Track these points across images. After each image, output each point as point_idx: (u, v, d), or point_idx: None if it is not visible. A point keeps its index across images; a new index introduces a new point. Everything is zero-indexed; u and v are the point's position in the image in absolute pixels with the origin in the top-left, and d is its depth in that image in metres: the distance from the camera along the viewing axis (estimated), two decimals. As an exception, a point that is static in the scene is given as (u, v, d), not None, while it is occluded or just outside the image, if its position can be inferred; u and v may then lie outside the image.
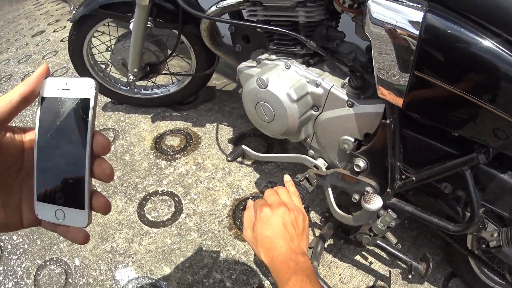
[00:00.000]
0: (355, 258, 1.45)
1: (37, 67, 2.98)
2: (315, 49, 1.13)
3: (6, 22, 4.85)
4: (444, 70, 0.79)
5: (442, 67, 0.79)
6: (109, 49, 2.03)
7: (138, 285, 1.41)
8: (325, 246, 1.48)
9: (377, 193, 1.08)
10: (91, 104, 0.41)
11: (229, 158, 1.41)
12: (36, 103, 0.44)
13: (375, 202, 1.04)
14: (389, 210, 1.10)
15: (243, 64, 1.33)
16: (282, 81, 1.14)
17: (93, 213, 0.45)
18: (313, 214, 1.60)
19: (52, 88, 0.43)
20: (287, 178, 0.96)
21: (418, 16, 0.77)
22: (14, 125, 0.44)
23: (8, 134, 0.42)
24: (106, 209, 0.45)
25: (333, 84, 1.12)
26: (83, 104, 0.42)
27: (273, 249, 0.75)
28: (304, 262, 0.72)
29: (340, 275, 1.39)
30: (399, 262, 1.43)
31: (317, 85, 1.13)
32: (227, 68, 2.57)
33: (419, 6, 0.78)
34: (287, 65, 1.18)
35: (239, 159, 1.87)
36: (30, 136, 0.45)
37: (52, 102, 0.43)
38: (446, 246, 1.46)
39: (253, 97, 1.21)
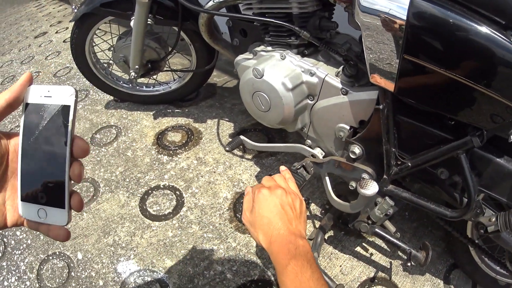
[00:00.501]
0: (355, 249, 1.46)
1: (40, 67, 3.06)
2: (309, 39, 1.14)
3: (8, 24, 4.92)
4: (432, 52, 0.80)
5: (430, 49, 0.80)
6: (111, 47, 2.06)
7: (140, 278, 1.43)
8: (325, 237, 1.50)
9: (373, 180, 1.09)
10: (71, 111, 0.45)
11: (227, 148, 1.43)
12: (20, 110, 0.48)
13: (371, 188, 1.04)
14: (387, 197, 1.11)
15: (240, 57, 1.35)
16: (277, 71, 1.16)
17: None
18: (313, 206, 1.62)
19: (35, 95, 0.47)
20: (283, 167, 0.98)
21: (405, 1, 0.79)
22: None
23: None
24: (79, 206, 0.48)
25: (327, 73, 1.14)
26: (64, 110, 0.45)
27: (271, 231, 0.75)
28: (304, 246, 0.72)
29: (340, 266, 1.41)
30: (400, 253, 1.45)
31: (312, 74, 1.15)
32: (228, 65, 2.60)
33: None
34: (282, 56, 1.20)
35: (240, 153, 1.90)
36: (15, 140, 0.48)
37: (35, 108, 0.46)
38: (447, 237, 1.46)
39: (249, 88, 1.23)
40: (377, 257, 1.44)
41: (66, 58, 3.17)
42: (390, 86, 0.91)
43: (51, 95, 0.46)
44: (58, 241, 1.58)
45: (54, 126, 0.45)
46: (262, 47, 1.30)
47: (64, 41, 3.56)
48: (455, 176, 1.00)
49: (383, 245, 1.49)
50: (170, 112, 2.21)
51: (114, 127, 2.17)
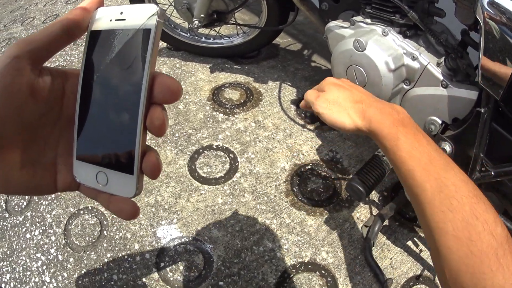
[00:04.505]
0: (407, 243, 1.44)
1: None
2: (415, 21, 1.10)
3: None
4: None
5: None
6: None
7: (181, 246, 1.40)
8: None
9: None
10: (152, 36, 0.34)
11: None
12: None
13: None
14: None
15: (333, 23, 1.30)
16: (381, 47, 1.12)
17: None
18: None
19: (104, 20, 0.36)
20: None
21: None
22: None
23: (44, 76, 0.36)
24: (154, 171, 0.36)
25: (429, 61, 1.10)
26: (141, 36, 0.34)
27: (361, 105, 0.67)
28: (402, 110, 0.65)
29: (391, 259, 1.39)
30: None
31: (414, 58, 1.11)
32: (292, 27, 2.52)
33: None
34: (384, 32, 1.15)
35: (301, 122, 1.85)
36: (73, 80, 0.38)
37: (102, 36, 0.36)
38: None
39: (345, 59, 1.20)
40: (426, 254, 1.42)
41: (117, 0, 3.08)
42: (496, 92, 0.90)
43: (125, 17, 0.35)
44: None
45: (126, 58, 0.34)
46: (360, 18, 1.24)
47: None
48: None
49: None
50: (229, 68, 2.16)
51: (166, 77, 2.13)
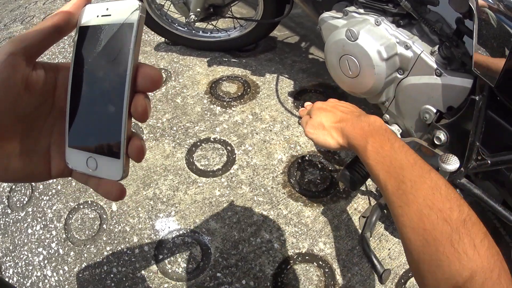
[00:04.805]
0: (405, 233, 1.44)
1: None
2: (408, 10, 1.10)
3: None
4: None
5: None
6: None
7: (179, 238, 1.41)
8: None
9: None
10: (134, 30, 0.36)
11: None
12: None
13: (453, 163, 1.03)
14: (457, 190, 1.11)
15: (327, 14, 1.29)
16: (373, 37, 1.12)
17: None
18: (369, 182, 1.58)
19: (91, 16, 0.39)
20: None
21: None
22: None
23: (37, 70, 0.38)
24: (138, 154, 0.38)
25: (423, 49, 1.10)
26: (125, 30, 0.36)
27: (340, 124, 0.76)
28: (375, 120, 0.71)
29: (389, 249, 1.39)
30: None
31: (407, 47, 1.11)
32: (290, 20, 2.52)
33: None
34: (377, 21, 1.14)
35: (299, 114, 1.84)
36: (64, 73, 0.41)
37: (90, 32, 0.38)
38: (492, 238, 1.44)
39: (338, 49, 1.19)
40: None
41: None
42: (491, 80, 0.90)
43: (110, 13, 0.37)
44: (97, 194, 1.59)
45: (112, 51, 0.37)
46: (353, 8, 1.24)
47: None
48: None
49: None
50: (226, 61, 2.16)
51: (163, 71, 2.14)
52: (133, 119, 0.38)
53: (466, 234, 0.49)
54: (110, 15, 0.37)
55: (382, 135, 0.66)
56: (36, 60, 0.38)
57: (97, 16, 0.38)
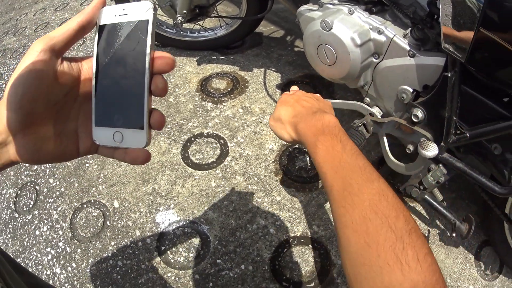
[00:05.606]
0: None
1: (75, 14, 2.95)
2: None
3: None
4: (508, 30, 0.81)
5: (506, 27, 0.81)
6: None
7: (179, 229, 1.46)
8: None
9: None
10: (150, 24, 0.42)
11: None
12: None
13: (432, 149, 1.08)
14: (440, 165, 1.15)
15: (304, 7, 1.35)
16: (346, 25, 1.16)
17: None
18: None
19: (109, 15, 0.45)
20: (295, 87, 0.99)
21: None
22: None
23: (64, 63, 0.44)
24: (160, 124, 0.44)
25: (395, 33, 1.14)
26: (141, 25, 0.43)
27: (296, 118, 0.77)
28: (330, 120, 0.70)
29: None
30: (438, 223, 1.48)
31: (380, 32, 1.16)
32: (275, 15, 2.57)
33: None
34: (350, 10, 1.19)
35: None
36: (88, 63, 0.46)
37: (109, 29, 0.45)
38: (482, 212, 1.48)
39: (315, 40, 1.24)
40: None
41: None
42: (461, 55, 0.93)
43: (127, 12, 0.44)
44: (100, 187, 1.64)
45: (130, 43, 0.43)
46: (328, 0, 1.28)
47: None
48: (508, 153, 1.02)
49: (422, 212, 1.52)
50: (215, 59, 2.21)
51: (155, 72, 2.16)
52: (153, 97, 0.44)
53: (410, 245, 0.47)
54: (127, 14, 0.44)
55: (334, 135, 0.66)
56: (63, 56, 0.44)
57: (115, 16, 0.44)
